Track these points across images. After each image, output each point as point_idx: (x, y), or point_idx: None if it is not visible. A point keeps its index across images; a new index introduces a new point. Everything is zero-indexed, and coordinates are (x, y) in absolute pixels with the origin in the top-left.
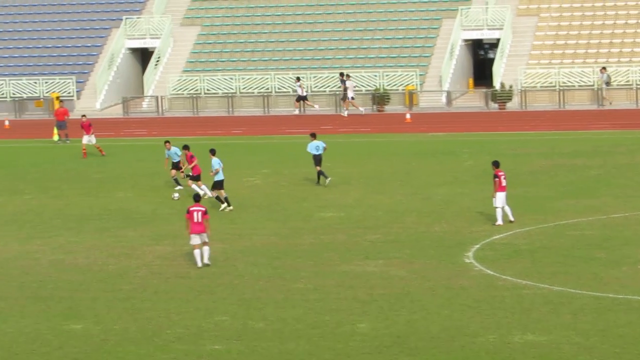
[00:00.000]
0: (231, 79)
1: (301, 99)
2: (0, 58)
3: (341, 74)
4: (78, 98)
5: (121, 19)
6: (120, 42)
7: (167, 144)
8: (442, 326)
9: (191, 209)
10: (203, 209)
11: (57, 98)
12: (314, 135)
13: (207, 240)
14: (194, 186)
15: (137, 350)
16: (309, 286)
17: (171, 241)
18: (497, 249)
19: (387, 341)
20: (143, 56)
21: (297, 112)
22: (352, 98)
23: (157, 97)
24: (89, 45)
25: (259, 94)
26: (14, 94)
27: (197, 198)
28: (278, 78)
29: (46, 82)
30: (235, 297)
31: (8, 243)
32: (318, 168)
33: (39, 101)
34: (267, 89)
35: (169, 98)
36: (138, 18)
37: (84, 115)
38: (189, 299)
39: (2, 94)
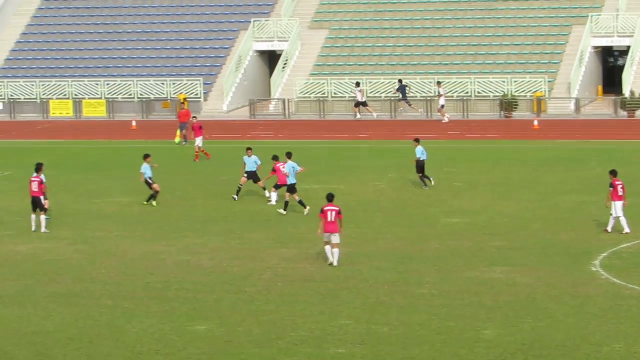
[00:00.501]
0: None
1: (360, 104)
2: (128, 59)
3: (400, 81)
4: (205, 100)
5: (250, 22)
6: (248, 44)
7: (249, 150)
8: (568, 335)
9: (325, 208)
10: (337, 208)
11: (185, 100)
12: (417, 141)
13: (338, 241)
14: (274, 194)
15: (260, 352)
16: (433, 292)
17: (296, 244)
18: (624, 258)
19: (512, 348)
20: (271, 59)
21: (359, 116)
22: (442, 106)
23: (284, 100)
24: (217, 47)
25: (385, 99)
26: (141, 94)
27: (330, 198)
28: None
29: (174, 84)
30: (359, 301)
31: (134, 244)
32: (420, 175)
33: (166, 102)
34: (395, 93)
35: (295, 101)
36: (266, 21)
37: (194, 117)
38: (313, 302)
39: (130, 94)
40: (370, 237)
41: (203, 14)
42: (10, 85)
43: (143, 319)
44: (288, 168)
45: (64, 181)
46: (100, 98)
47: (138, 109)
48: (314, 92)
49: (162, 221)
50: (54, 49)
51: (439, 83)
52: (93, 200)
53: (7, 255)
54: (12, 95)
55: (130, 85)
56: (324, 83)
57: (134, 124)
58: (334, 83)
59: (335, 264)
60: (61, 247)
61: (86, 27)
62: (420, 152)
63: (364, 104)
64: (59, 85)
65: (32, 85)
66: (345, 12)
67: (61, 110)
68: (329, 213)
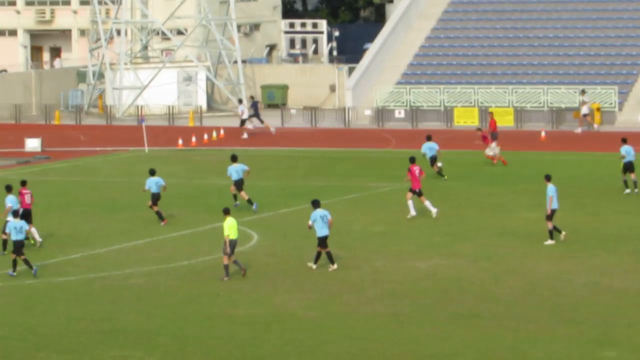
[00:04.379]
0: None
1: (243, 122)
2: (539, 65)
3: (252, 97)
4: (619, 109)
5: None
6: None
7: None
8: None
9: None
10: None
11: (597, 109)
12: (624, 140)
13: None
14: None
15: None
16: None
17: None
18: None
19: None
20: None
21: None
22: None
23: None
24: (634, 54)
25: None
26: (551, 103)
27: None
28: None
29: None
30: None
31: (540, 262)
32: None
33: (578, 112)
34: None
35: None
36: None
37: (479, 129)
38: None
39: (540, 103)
40: None
41: (619, 19)
42: (413, 92)
43: (548, 343)
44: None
45: (468, 194)
46: (508, 106)
47: (547, 118)
48: None
49: (571, 238)
50: (459, 54)
51: (583, 91)
52: (497, 215)
53: (406, 271)
54: (414, 102)
55: (539, 93)
56: None
57: (542, 134)
58: None
59: None
60: (462, 264)
61: (494, 31)
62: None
63: (244, 122)
64: (464, 92)
65: (436, 91)
66: None
67: (465, 119)
68: None
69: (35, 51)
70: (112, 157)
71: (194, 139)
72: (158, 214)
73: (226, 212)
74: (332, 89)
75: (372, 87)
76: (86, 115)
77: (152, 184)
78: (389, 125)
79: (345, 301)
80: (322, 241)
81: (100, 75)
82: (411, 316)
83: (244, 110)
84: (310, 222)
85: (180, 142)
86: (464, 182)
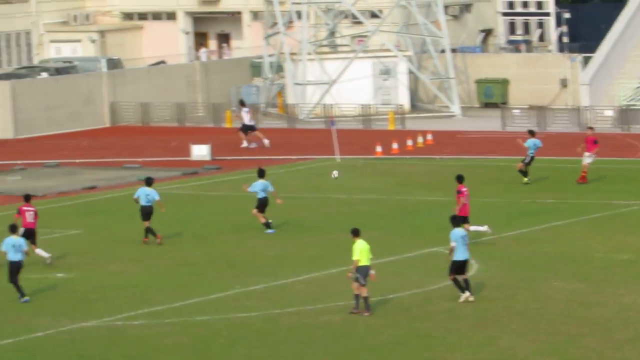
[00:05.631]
0: None
1: (247, 129)
2: None
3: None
4: None
5: None
6: None
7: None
8: None
9: None
10: None
11: None
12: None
13: None
14: None
15: None
16: None
17: None
18: None
19: None
20: None
21: (245, 144)
22: None
23: None
24: None
25: None
26: None
27: None
28: None
29: None
30: None
31: None
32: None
33: None
34: None
35: None
36: None
37: (590, 128)
38: None
39: None
40: None
41: None
42: None
43: None
44: None
45: None
46: None
47: None
48: None
49: None
50: None
51: None
52: None
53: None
54: None
55: None
56: None
57: None
58: None
59: None
60: None
61: None
62: None
63: (252, 128)
64: None
65: None
66: None
67: None
68: None
69: (200, 38)
70: (296, 167)
71: (395, 146)
72: (149, 230)
73: (355, 233)
74: (564, 84)
75: (614, 81)
76: (263, 116)
77: (143, 195)
78: (635, 130)
79: (588, 345)
80: (461, 266)
81: (279, 68)
82: None
83: (246, 115)
84: (452, 244)
85: (378, 149)
86: None
